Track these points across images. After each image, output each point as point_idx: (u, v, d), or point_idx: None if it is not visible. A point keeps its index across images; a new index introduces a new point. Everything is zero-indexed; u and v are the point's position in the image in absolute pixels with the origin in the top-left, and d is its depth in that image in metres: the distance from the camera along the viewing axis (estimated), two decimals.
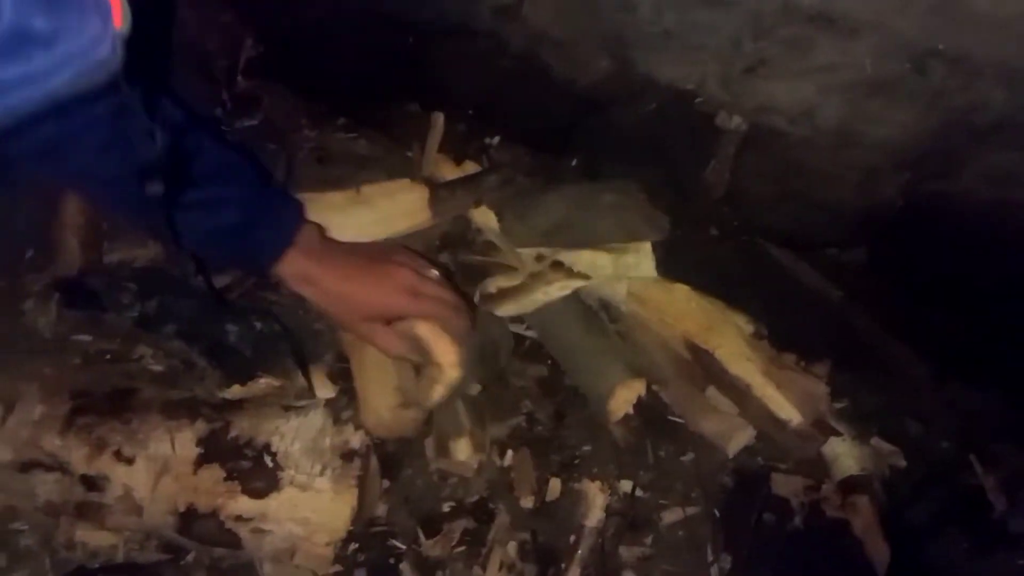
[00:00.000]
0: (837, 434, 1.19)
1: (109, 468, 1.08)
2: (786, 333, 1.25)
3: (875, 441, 1.25)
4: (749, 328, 1.24)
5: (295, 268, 1.04)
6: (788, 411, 1.15)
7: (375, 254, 1.11)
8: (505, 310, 1.30)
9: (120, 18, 0.51)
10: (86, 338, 1.28)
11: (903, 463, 1.24)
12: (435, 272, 1.16)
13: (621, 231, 1.23)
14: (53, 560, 1.13)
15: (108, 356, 1.25)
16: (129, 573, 1.11)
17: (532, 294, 1.27)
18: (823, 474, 1.24)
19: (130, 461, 1.08)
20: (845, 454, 1.22)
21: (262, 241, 1.02)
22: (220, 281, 1.34)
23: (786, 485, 1.22)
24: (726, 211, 1.23)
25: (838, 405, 1.28)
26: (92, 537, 1.14)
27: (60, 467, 1.08)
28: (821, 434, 1.16)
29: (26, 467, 1.08)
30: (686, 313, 1.23)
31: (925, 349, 1.24)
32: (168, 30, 1.08)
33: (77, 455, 1.08)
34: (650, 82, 1.12)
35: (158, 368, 1.24)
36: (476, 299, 1.31)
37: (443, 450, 1.21)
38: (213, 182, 0.97)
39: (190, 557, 1.15)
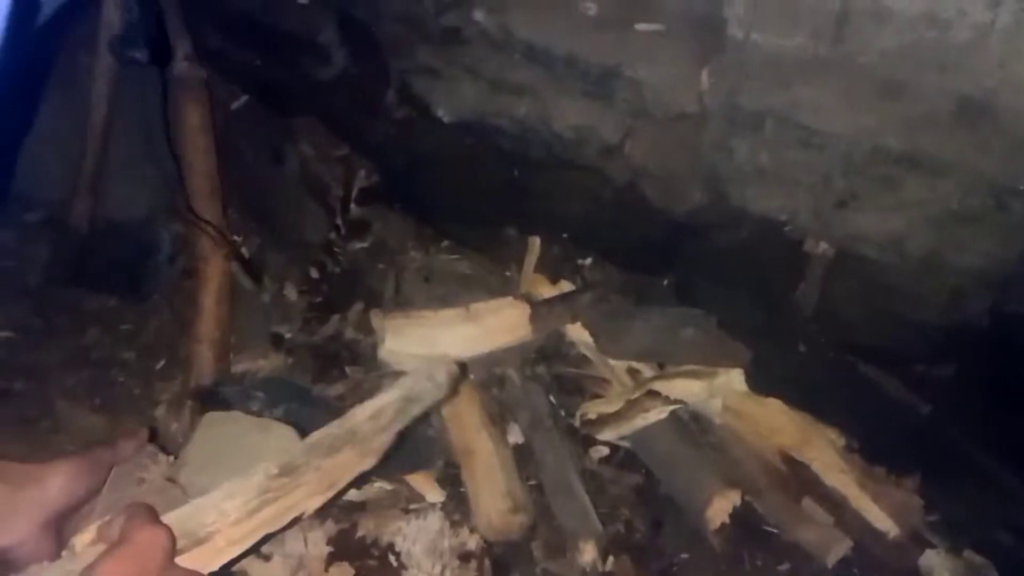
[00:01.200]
0: (932, 546, 1.23)
1: (249, 566, 1.15)
2: (876, 446, 1.31)
3: (967, 553, 1.28)
4: (840, 441, 1.30)
5: None
6: (885, 523, 1.20)
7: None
8: (606, 435, 1.38)
9: None
10: None
11: (995, 575, 1.26)
12: None
13: (702, 360, 1.34)
14: None
15: None
16: None
17: (631, 421, 1.36)
18: None
19: (267, 559, 1.16)
20: (940, 566, 1.24)
21: None
22: (333, 391, 1.46)
23: None
24: (815, 329, 1.31)
25: (930, 517, 1.32)
26: None
27: None
28: (917, 546, 1.20)
29: None
30: (780, 426, 1.30)
31: (1014, 460, 1.28)
32: None
33: None
34: (743, 212, 1.23)
35: None
36: (577, 423, 1.40)
37: (559, 551, 1.27)
38: None
39: None
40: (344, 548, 1.17)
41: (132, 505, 0.71)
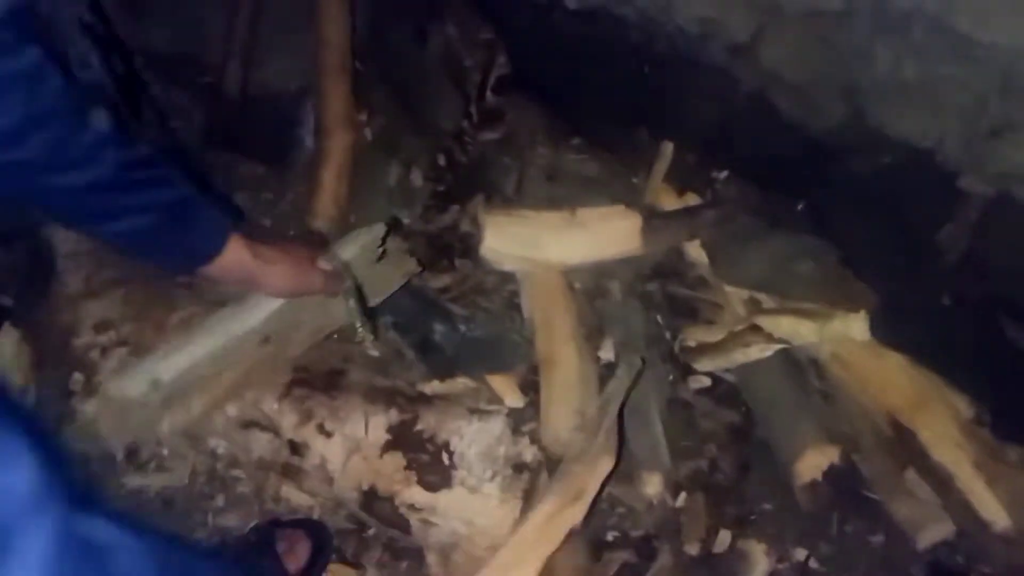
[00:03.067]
0: None
1: (312, 438, 1.19)
2: (1011, 424, 1.12)
3: None
4: (968, 412, 1.12)
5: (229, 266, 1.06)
6: (994, 511, 1.03)
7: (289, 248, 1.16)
8: (702, 364, 1.28)
9: None
10: None
11: None
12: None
13: (818, 298, 1.18)
14: (261, 509, 1.27)
15: (335, 335, 1.37)
16: (319, 530, 1.22)
17: (730, 354, 1.25)
18: None
19: (329, 435, 1.19)
20: None
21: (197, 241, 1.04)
22: (437, 282, 1.45)
23: None
24: (964, 281, 1.11)
25: None
26: (293, 495, 1.26)
27: (273, 429, 1.21)
28: None
29: (247, 424, 1.23)
30: (895, 385, 1.14)
31: None
32: None
33: (288, 421, 1.21)
34: (883, 135, 1.05)
35: (374, 353, 1.35)
36: (676, 350, 1.30)
37: (627, 478, 1.21)
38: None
39: (371, 532, 1.24)
40: (402, 438, 1.17)
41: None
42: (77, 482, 0.54)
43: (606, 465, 1.12)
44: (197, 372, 1.17)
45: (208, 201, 1.04)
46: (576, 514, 1.09)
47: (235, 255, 1.05)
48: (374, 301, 1.28)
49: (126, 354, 1.24)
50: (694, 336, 1.28)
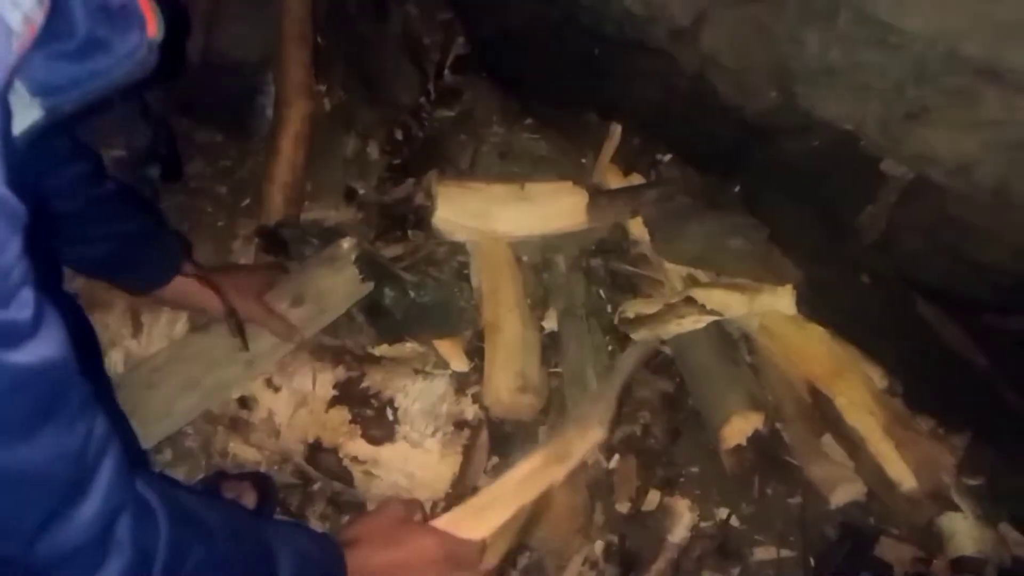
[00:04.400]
0: (956, 509, 1.12)
1: (260, 392, 1.23)
2: (925, 396, 1.19)
3: (1004, 527, 1.17)
4: (882, 382, 1.20)
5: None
6: (901, 473, 1.11)
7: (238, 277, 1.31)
8: (639, 335, 1.34)
9: (155, 29, 0.64)
10: None
11: None
12: None
13: (747, 273, 1.25)
14: (208, 463, 1.30)
15: None
16: (264, 481, 1.25)
17: (666, 324, 1.31)
18: (938, 549, 1.17)
19: (277, 389, 1.23)
20: (964, 533, 1.14)
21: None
22: (390, 252, 1.48)
23: (893, 551, 1.17)
24: (879, 259, 1.18)
25: (971, 481, 1.21)
26: (240, 450, 1.30)
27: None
28: (934, 505, 1.10)
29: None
30: (815, 355, 1.21)
31: None
32: None
33: None
34: (812, 118, 1.11)
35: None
36: (616, 321, 1.36)
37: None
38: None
39: (315, 486, 1.28)
40: (348, 394, 1.21)
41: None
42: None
43: (597, 435, 1.21)
44: None
45: (163, 233, 1.23)
46: (557, 474, 1.16)
47: (183, 284, 1.20)
48: (326, 320, 1.33)
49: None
50: (633, 308, 1.34)
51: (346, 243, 1.38)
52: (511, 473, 1.15)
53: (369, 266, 1.38)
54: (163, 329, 1.28)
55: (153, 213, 1.41)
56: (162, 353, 1.25)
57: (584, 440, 1.19)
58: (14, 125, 0.56)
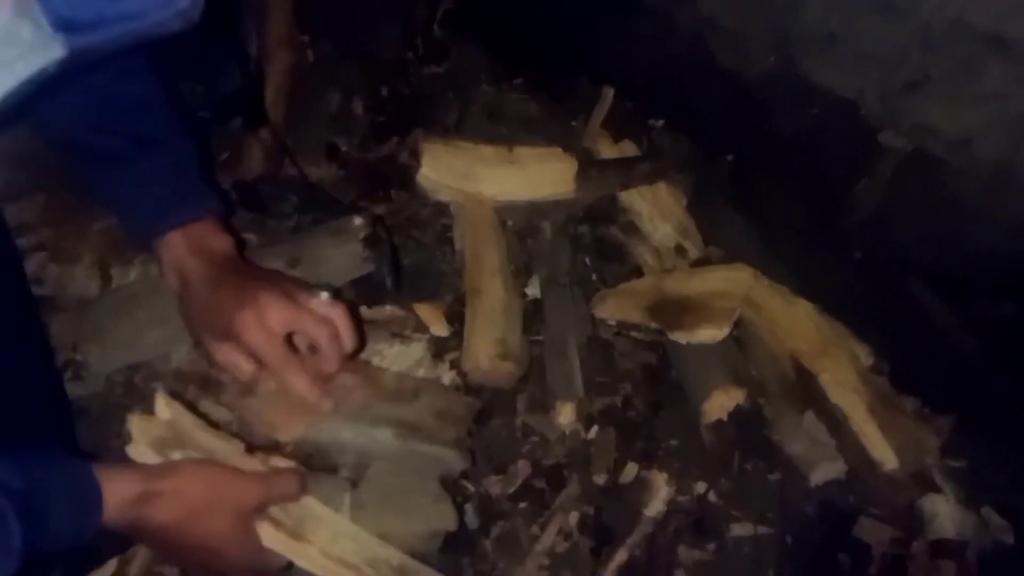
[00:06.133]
0: (938, 491, 1.11)
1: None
2: (912, 376, 1.17)
3: (986, 511, 1.15)
4: (868, 360, 1.17)
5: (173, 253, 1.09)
6: (884, 453, 1.09)
7: (255, 275, 1.11)
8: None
9: None
10: (252, 237, 1.41)
11: (1011, 540, 1.13)
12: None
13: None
14: None
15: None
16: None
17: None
18: (918, 531, 1.16)
19: None
20: (944, 515, 1.13)
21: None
22: (374, 210, 1.44)
23: (872, 532, 1.15)
24: (872, 235, 1.16)
25: (954, 464, 1.19)
26: (211, 410, 1.26)
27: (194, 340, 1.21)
28: (916, 486, 1.08)
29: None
30: (801, 331, 1.19)
31: None
32: None
33: None
34: (810, 85, 1.08)
35: None
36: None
37: (541, 408, 1.24)
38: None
39: (287, 448, 1.25)
40: None
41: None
42: None
43: None
44: None
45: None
46: None
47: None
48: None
49: (45, 259, 1.22)
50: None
51: (358, 220, 1.32)
52: None
53: (376, 247, 1.33)
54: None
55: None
56: (142, 283, 1.21)
57: None
58: (27, 61, 0.51)
